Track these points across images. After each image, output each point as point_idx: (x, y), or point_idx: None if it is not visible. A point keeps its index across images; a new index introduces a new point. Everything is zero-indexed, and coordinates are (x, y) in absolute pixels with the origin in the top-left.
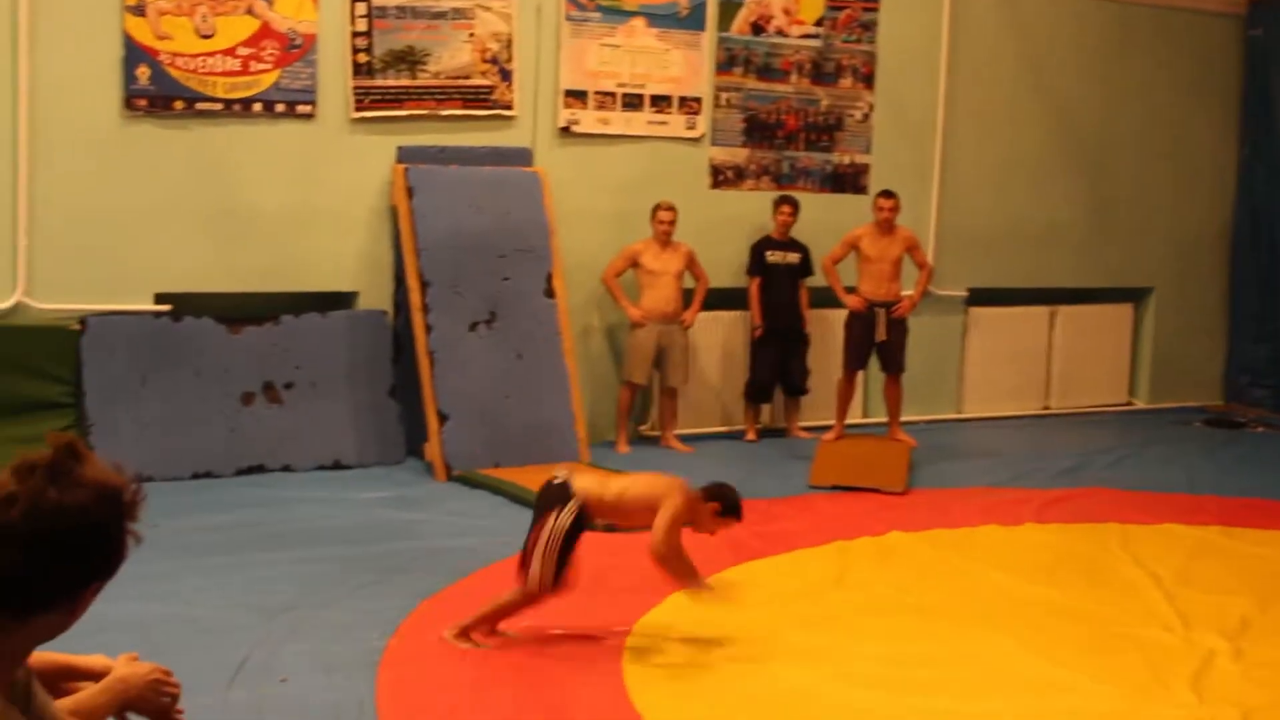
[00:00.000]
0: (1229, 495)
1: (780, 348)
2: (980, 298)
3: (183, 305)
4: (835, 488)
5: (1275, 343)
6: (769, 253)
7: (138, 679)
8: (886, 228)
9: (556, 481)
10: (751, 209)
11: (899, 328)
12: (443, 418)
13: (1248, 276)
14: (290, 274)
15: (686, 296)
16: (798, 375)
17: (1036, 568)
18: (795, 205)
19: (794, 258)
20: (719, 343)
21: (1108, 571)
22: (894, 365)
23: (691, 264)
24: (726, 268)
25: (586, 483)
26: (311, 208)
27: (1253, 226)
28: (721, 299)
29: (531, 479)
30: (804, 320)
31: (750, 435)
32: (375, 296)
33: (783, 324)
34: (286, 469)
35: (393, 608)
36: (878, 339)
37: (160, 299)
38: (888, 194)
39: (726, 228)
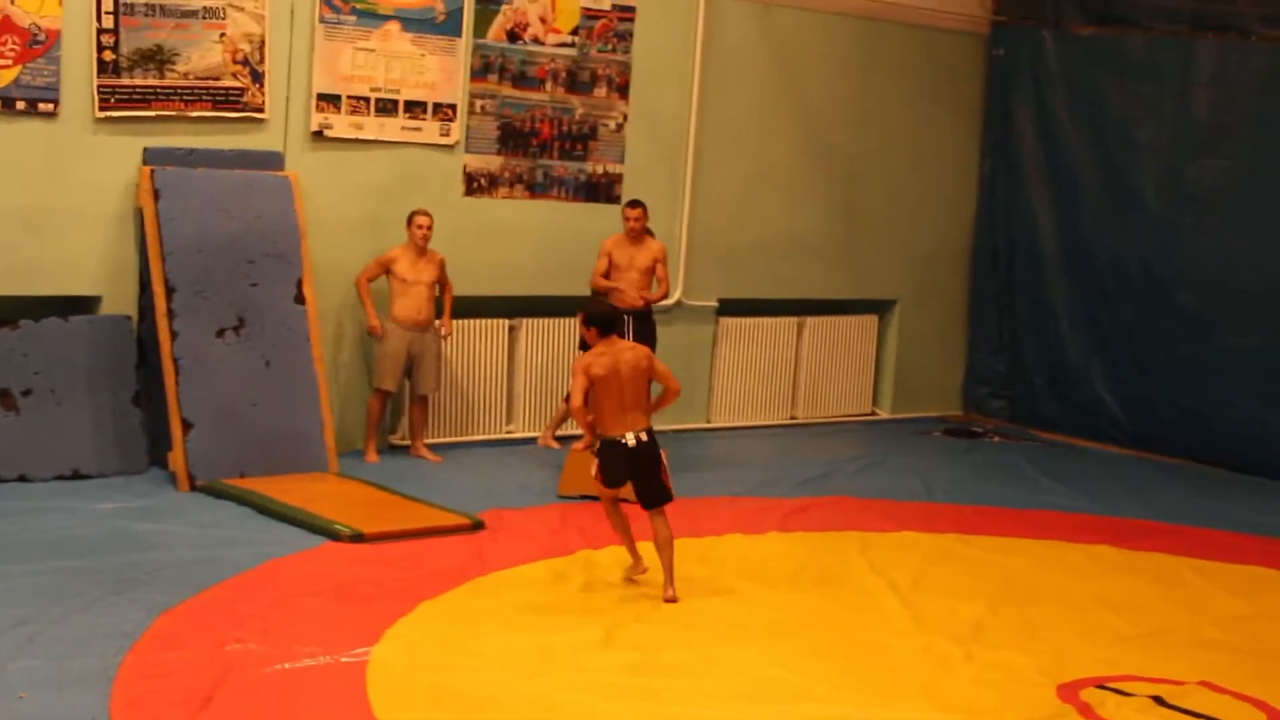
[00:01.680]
0: (965, 503)
1: None
2: (730, 308)
3: None
4: (583, 497)
5: (1011, 355)
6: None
7: None
8: (635, 237)
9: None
10: (503, 217)
11: (645, 328)
12: (187, 425)
13: (986, 290)
14: (29, 277)
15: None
16: None
17: (779, 575)
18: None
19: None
20: (475, 351)
21: (847, 579)
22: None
23: (442, 272)
24: (481, 275)
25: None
26: (52, 208)
27: (992, 241)
28: (474, 307)
29: (277, 489)
30: None
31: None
32: (119, 301)
33: None
34: (22, 479)
35: (129, 621)
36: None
37: None
38: (634, 204)
39: (479, 235)
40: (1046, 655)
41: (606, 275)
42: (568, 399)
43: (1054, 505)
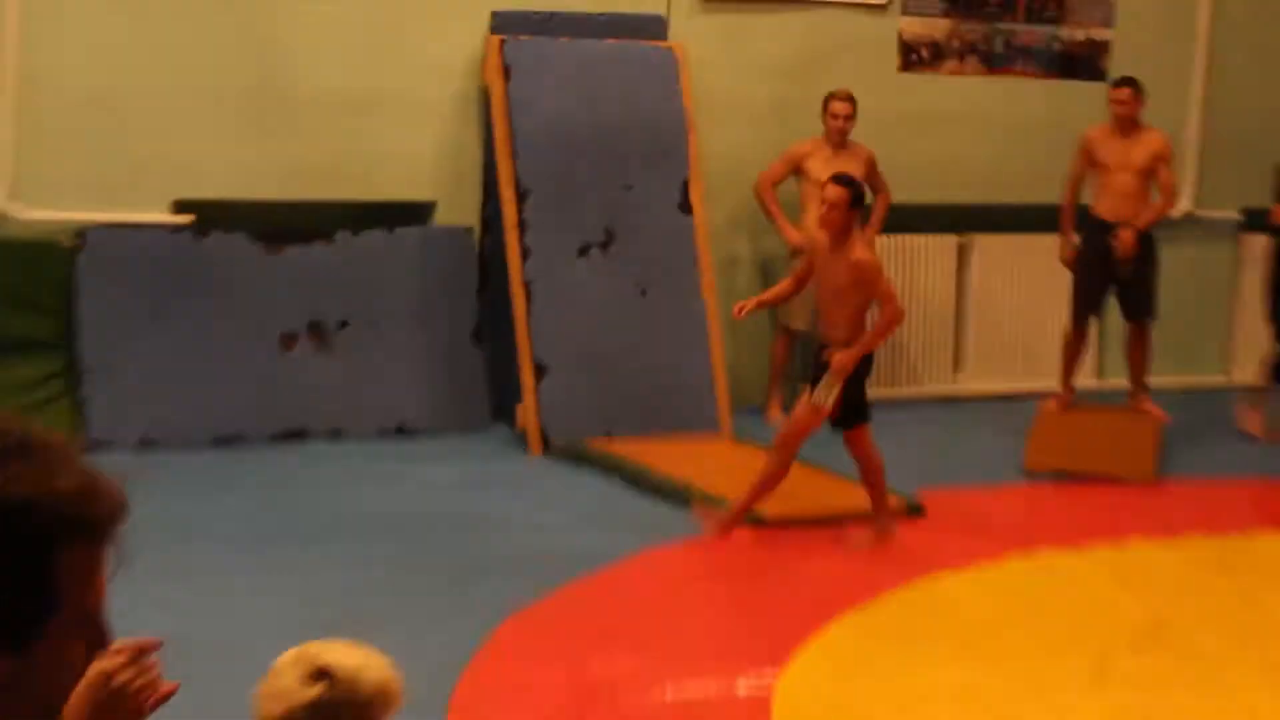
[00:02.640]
0: None
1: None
2: (1259, 221)
3: (208, 216)
4: (1058, 474)
5: None
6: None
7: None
8: (1126, 127)
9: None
10: (950, 100)
11: (1145, 260)
12: (540, 371)
13: None
14: (349, 178)
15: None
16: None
17: None
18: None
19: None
20: (912, 278)
21: None
22: (1140, 310)
23: (872, 173)
24: (919, 177)
25: None
26: (378, 91)
27: None
28: (911, 219)
29: (655, 455)
30: None
31: None
32: (458, 209)
33: None
34: (336, 435)
35: (466, 629)
36: (1118, 276)
37: (180, 207)
38: (1124, 82)
39: (918, 124)
40: None
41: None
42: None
43: None
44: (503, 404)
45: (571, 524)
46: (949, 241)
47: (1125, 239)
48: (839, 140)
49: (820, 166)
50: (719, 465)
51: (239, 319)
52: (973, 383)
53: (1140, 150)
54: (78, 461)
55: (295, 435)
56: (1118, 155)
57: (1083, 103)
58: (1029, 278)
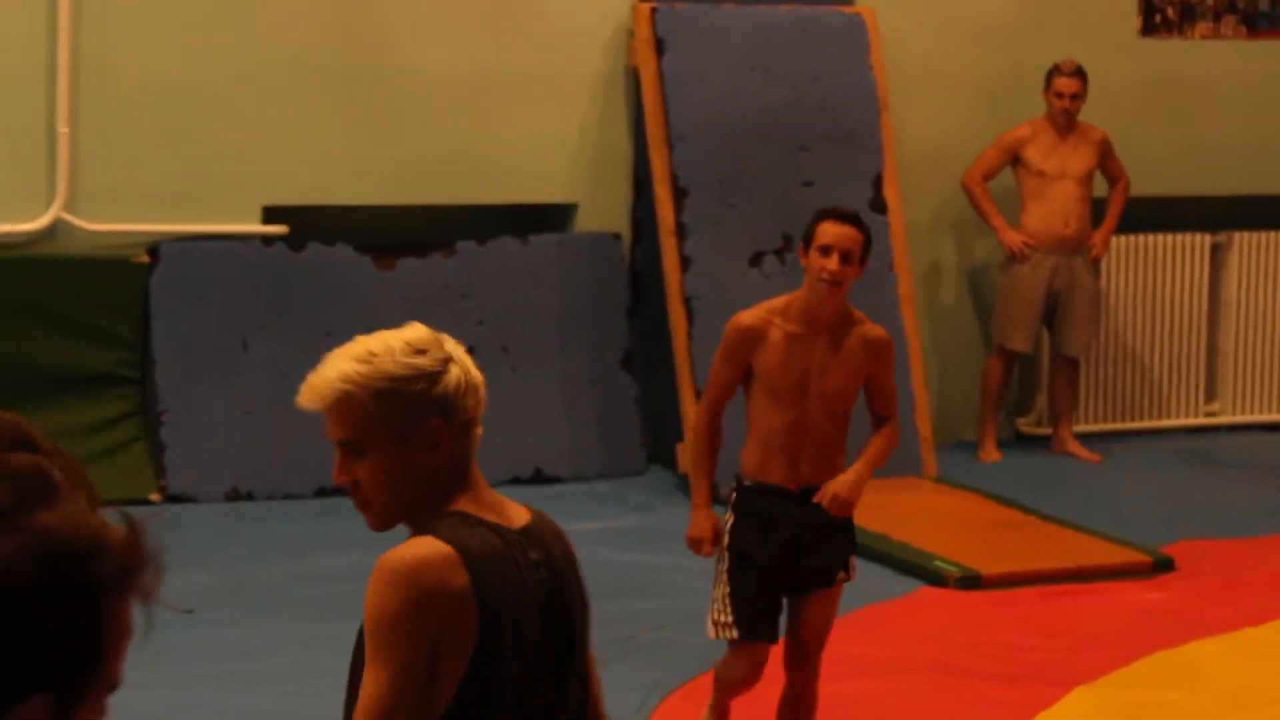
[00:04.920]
0: None
1: None
2: None
3: (305, 226)
4: None
5: None
6: None
7: None
8: None
9: None
10: (1206, 69)
11: None
12: None
13: None
14: (471, 177)
15: (1097, 212)
16: None
17: None
18: None
19: None
20: (1157, 285)
21: None
22: None
23: (1106, 159)
24: (1166, 163)
25: None
26: (503, 74)
27: None
28: (1156, 214)
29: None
30: None
31: None
32: (603, 212)
33: None
34: None
35: (624, 706)
36: None
37: (270, 215)
38: None
39: (1165, 99)
40: None
41: None
42: None
43: None
44: (662, 443)
45: None
46: (1201, 241)
47: None
48: (1066, 122)
49: (1042, 154)
50: (922, 512)
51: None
52: (1231, 412)
53: None
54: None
55: None
56: None
57: None
58: None
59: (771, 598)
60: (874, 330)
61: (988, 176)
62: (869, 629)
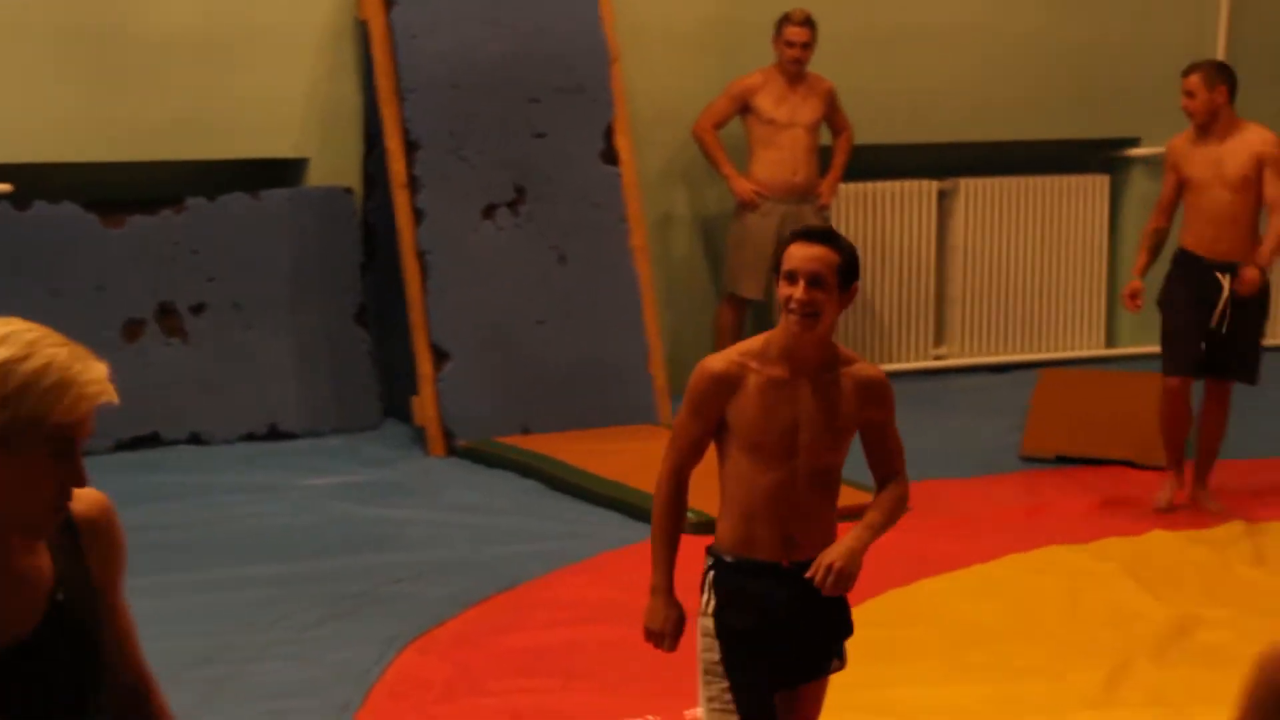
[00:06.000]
0: None
1: None
2: None
3: (31, 183)
4: (1058, 460)
5: None
6: None
7: None
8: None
9: None
10: (931, 15)
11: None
12: (441, 357)
13: None
14: (199, 133)
15: (824, 159)
16: None
17: None
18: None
19: None
20: (885, 232)
21: None
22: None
23: (832, 110)
24: (893, 112)
25: None
26: (232, 29)
27: None
28: (884, 162)
29: (580, 452)
30: None
31: None
32: (335, 166)
33: None
34: (195, 440)
35: (362, 660)
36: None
37: None
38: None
39: (890, 47)
40: None
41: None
42: None
43: None
44: (396, 398)
45: (482, 535)
46: (928, 187)
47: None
48: (795, 71)
49: (772, 103)
50: (658, 461)
51: (72, 305)
52: (958, 355)
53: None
54: None
55: (146, 441)
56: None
57: (1094, 12)
58: (1023, 228)
59: (773, 685)
60: (868, 370)
61: (718, 125)
62: (605, 575)
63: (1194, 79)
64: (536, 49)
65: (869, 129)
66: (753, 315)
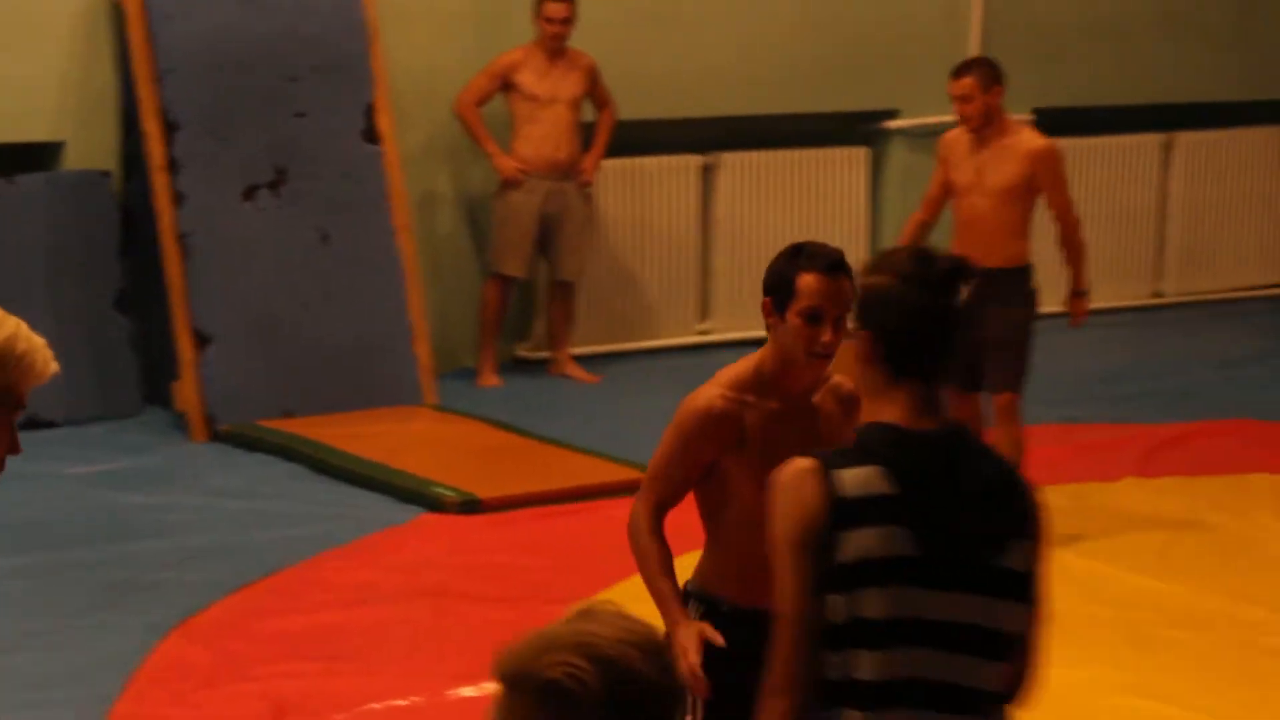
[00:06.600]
0: None
1: None
2: (1055, 123)
3: None
4: None
5: None
6: None
7: None
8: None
9: None
10: None
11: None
12: (202, 341)
13: None
14: None
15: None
16: None
17: (1140, 549)
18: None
19: None
20: (648, 208)
21: (1254, 551)
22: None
23: (594, 85)
24: (656, 86)
25: None
26: None
27: None
28: (647, 138)
29: (343, 434)
30: None
31: None
32: (91, 149)
33: None
34: None
35: (123, 646)
36: None
37: None
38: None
39: (654, 23)
40: None
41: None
42: None
43: None
44: (157, 383)
45: (246, 520)
46: (691, 162)
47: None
48: (556, 47)
49: (533, 79)
50: (422, 441)
51: None
52: (722, 330)
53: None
54: None
55: None
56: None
57: None
58: (786, 202)
59: None
60: (846, 384)
61: (480, 102)
62: (369, 558)
63: (968, 82)
64: (295, 28)
65: (631, 105)
66: (518, 293)
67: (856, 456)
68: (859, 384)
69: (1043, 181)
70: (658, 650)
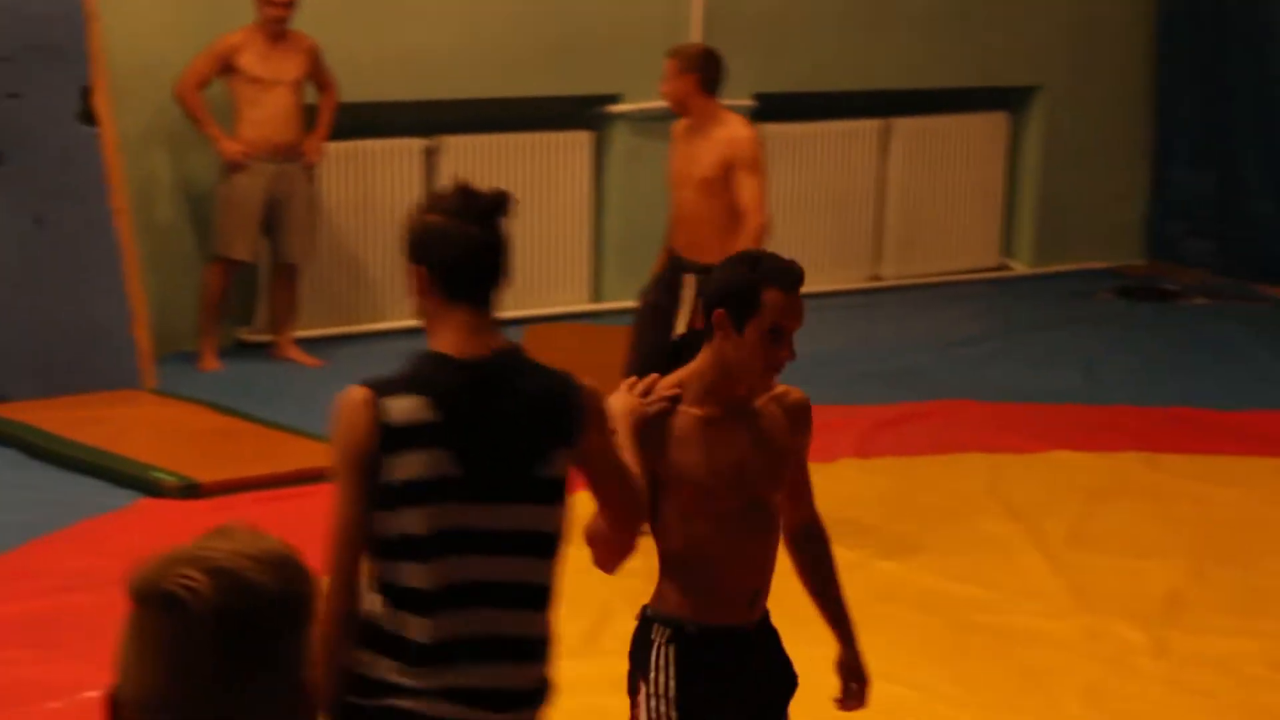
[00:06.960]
0: (1152, 403)
1: None
2: (776, 108)
3: None
4: None
5: (1222, 169)
6: None
7: None
8: None
9: None
10: None
11: None
12: None
13: (1182, 69)
14: None
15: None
16: None
17: (858, 528)
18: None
19: None
20: (372, 190)
21: (966, 528)
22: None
23: (316, 67)
24: (378, 68)
25: None
26: None
27: None
28: (370, 120)
29: (59, 419)
30: None
31: None
32: None
33: None
34: None
35: None
36: None
37: None
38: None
39: (376, 6)
40: None
41: None
42: None
43: None
44: None
45: None
46: (415, 145)
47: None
48: (277, 30)
49: (255, 61)
50: (141, 426)
51: None
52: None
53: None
54: None
55: None
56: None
57: None
58: (510, 185)
59: None
60: (794, 393)
61: (201, 85)
62: (86, 544)
63: (668, 63)
64: (8, 7)
65: (354, 87)
66: (240, 276)
67: (404, 386)
68: (418, 316)
69: (735, 170)
70: (280, 563)
